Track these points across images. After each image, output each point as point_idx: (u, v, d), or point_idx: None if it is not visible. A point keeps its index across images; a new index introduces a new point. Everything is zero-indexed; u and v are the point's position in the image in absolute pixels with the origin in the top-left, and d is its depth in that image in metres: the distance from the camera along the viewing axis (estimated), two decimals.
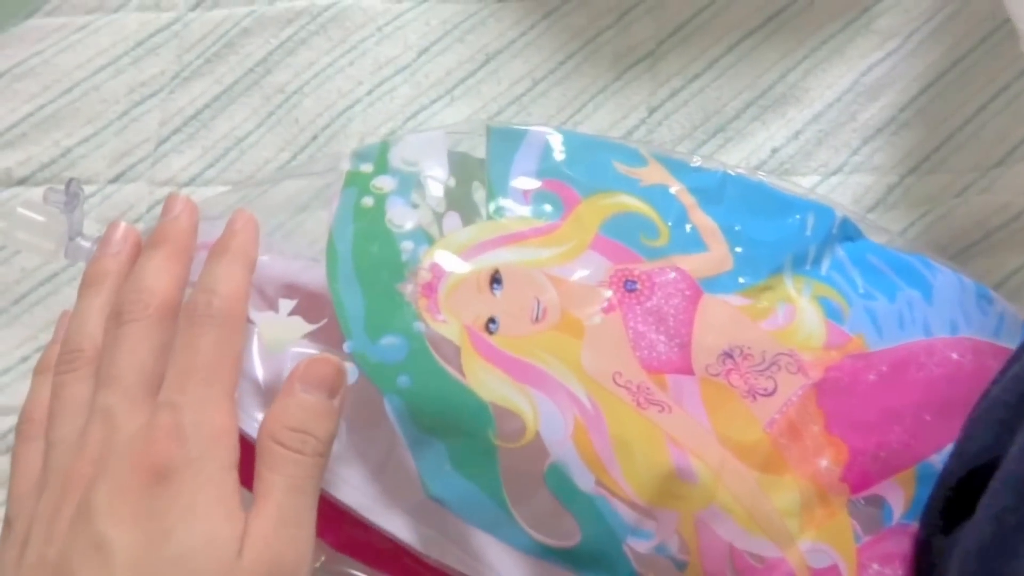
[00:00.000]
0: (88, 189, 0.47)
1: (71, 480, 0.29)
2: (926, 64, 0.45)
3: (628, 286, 0.34)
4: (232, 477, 0.29)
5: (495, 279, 0.34)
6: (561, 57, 0.47)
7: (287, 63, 0.48)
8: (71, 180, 0.36)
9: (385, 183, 0.35)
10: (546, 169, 0.36)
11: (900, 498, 0.33)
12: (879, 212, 0.43)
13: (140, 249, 0.34)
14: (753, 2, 0.46)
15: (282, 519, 0.28)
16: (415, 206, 0.35)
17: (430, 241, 0.34)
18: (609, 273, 0.34)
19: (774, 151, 0.45)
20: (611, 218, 0.35)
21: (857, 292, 0.35)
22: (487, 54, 0.47)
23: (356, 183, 0.36)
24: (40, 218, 0.36)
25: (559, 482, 0.32)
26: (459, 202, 0.36)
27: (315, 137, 0.47)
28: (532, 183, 0.35)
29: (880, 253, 0.37)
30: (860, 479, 0.33)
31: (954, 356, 0.35)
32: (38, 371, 0.34)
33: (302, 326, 0.34)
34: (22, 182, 0.47)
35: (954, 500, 0.31)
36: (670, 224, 0.35)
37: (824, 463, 0.33)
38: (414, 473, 0.32)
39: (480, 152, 0.37)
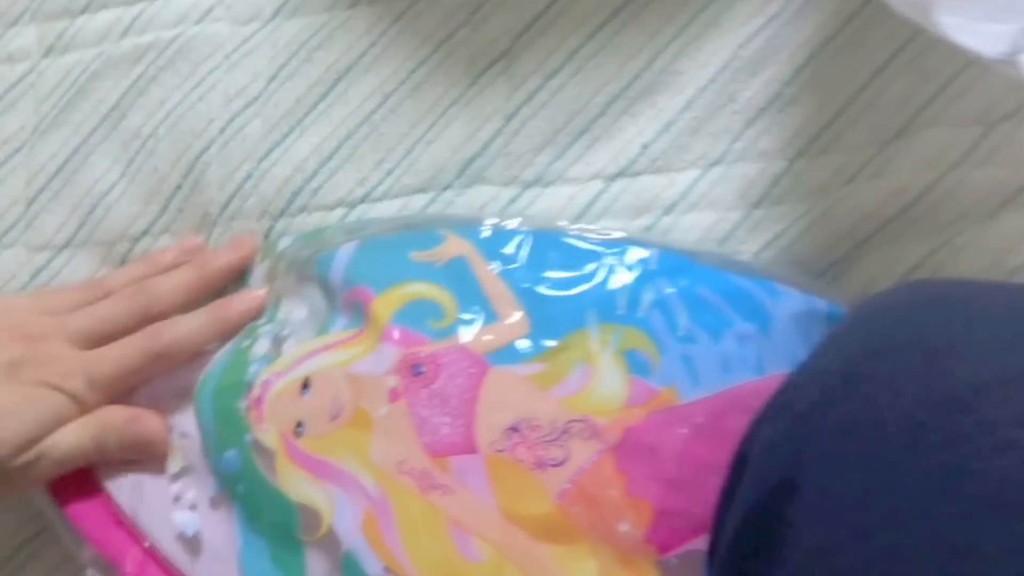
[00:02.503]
0: None
1: None
2: (814, 26, 0.43)
3: (415, 370, 0.38)
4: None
5: (305, 385, 0.39)
6: (412, 65, 0.45)
7: (140, 105, 0.49)
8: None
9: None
10: (350, 277, 0.41)
11: None
12: (765, 207, 0.42)
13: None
14: None
15: None
16: (272, 336, 0.42)
17: (270, 362, 0.41)
18: (397, 360, 0.38)
19: (644, 147, 0.43)
20: (402, 307, 0.39)
21: (675, 335, 0.37)
22: (337, 72, 0.46)
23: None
24: None
25: (351, 569, 0.37)
26: (296, 324, 0.42)
27: (179, 187, 0.48)
28: (342, 295, 0.41)
29: (715, 282, 0.39)
30: (669, 537, 0.35)
31: None
32: None
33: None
34: None
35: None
36: (459, 300, 0.39)
37: (624, 527, 0.35)
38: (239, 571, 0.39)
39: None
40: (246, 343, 0.42)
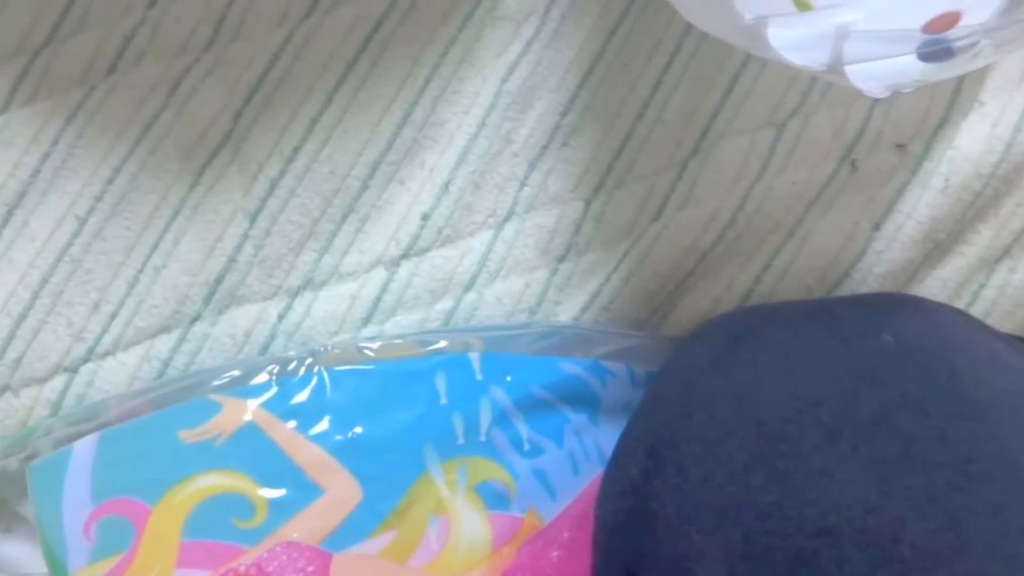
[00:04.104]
0: None
1: None
2: (577, 46, 0.40)
3: None
4: None
5: None
6: (107, 172, 0.38)
7: None
8: None
9: None
10: (102, 488, 0.33)
11: None
12: (572, 259, 0.38)
13: None
14: (339, 25, 0.38)
15: None
16: None
17: None
18: None
19: (425, 217, 0.38)
20: (193, 513, 0.32)
21: (522, 452, 0.34)
22: (7, 203, 0.38)
23: None
24: None
25: None
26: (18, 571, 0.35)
27: None
28: (90, 513, 0.32)
29: (545, 375, 0.35)
30: None
31: None
32: None
33: None
34: None
35: None
36: (264, 482, 0.32)
37: None
38: None
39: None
40: None
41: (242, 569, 0.31)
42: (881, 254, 0.39)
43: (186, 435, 0.33)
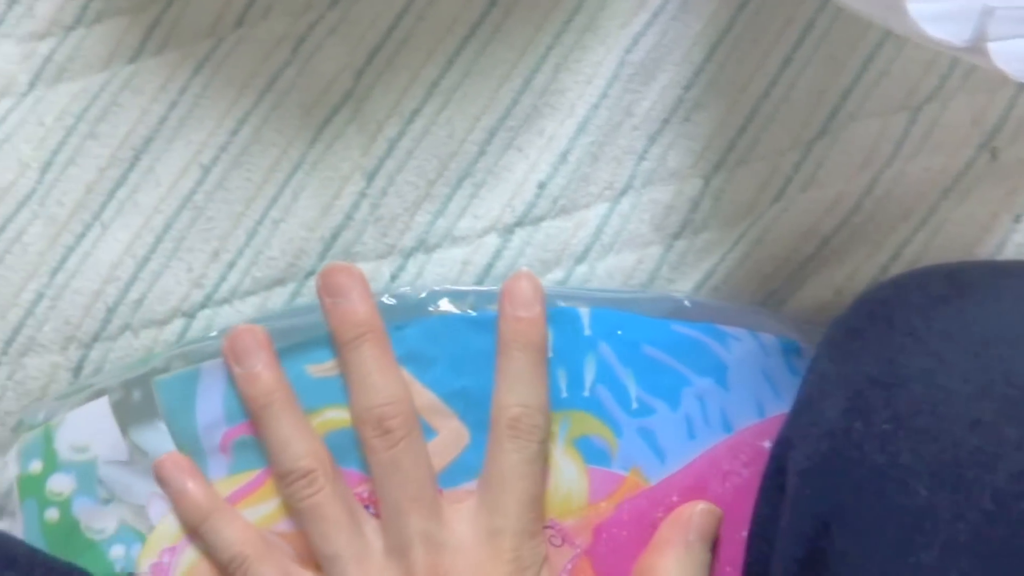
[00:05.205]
0: None
1: None
2: (705, 19, 0.40)
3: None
4: None
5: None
6: (232, 124, 0.39)
7: None
8: None
9: (62, 485, 0.35)
10: (235, 410, 0.35)
11: None
12: (688, 237, 0.39)
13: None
14: None
15: None
16: (107, 501, 0.35)
17: (141, 538, 0.35)
18: None
19: (541, 186, 0.38)
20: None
21: (629, 410, 0.35)
22: (134, 147, 0.39)
23: (32, 491, 0.36)
24: None
25: None
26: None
27: None
28: (224, 433, 0.35)
29: (659, 336, 0.36)
30: None
31: (766, 445, 0.35)
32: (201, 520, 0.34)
33: None
34: None
35: None
36: None
37: None
38: None
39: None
40: (53, 515, 0.34)
41: (365, 496, 0.34)
42: (1022, 247, 0.38)
43: (314, 369, 0.35)
